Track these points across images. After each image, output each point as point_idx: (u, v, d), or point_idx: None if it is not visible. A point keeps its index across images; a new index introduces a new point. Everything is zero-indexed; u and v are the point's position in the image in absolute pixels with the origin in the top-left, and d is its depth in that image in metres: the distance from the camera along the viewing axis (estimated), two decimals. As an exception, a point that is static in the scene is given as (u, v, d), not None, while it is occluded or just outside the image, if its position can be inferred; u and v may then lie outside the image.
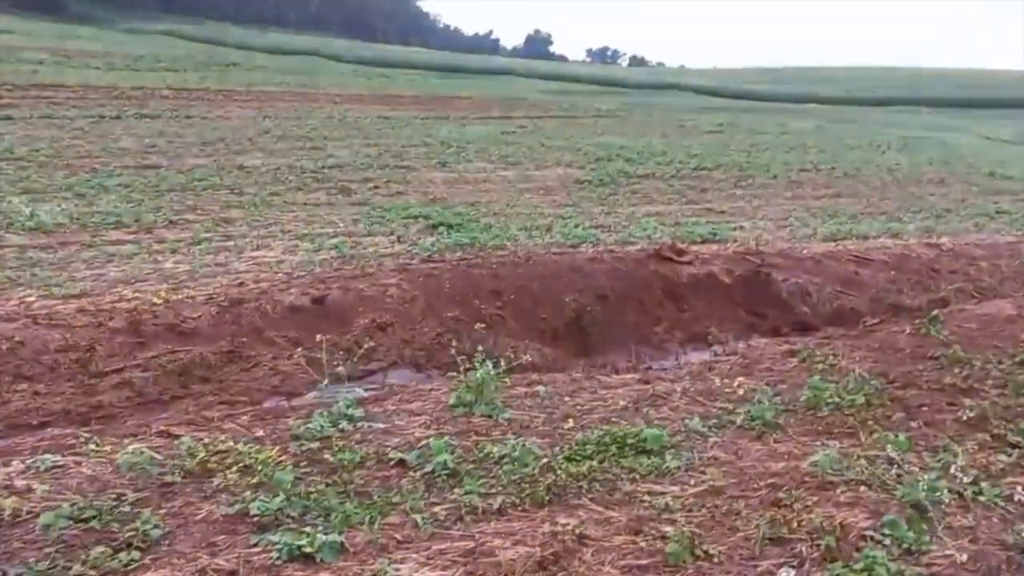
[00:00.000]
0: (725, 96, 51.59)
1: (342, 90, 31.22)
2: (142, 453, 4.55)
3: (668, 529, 3.98)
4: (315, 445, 4.94)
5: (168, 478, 4.44)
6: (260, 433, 5.19)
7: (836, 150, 22.76)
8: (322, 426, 5.17)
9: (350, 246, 10.40)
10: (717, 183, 17.11)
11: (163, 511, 4.09)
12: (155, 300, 7.81)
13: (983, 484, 4.36)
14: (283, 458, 4.70)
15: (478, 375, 5.72)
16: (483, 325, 7.33)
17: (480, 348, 6.02)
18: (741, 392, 5.95)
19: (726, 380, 6.21)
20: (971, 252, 11.99)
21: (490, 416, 5.51)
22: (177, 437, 5.01)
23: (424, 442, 4.92)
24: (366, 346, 6.77)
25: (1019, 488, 4.32)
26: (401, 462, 4.74)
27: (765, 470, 4.67)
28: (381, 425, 5.36)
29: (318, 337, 6.35)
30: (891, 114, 43.90)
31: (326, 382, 6.05)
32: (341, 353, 6.76)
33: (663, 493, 4.39)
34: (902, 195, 17.12)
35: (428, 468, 4.61)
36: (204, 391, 6.46)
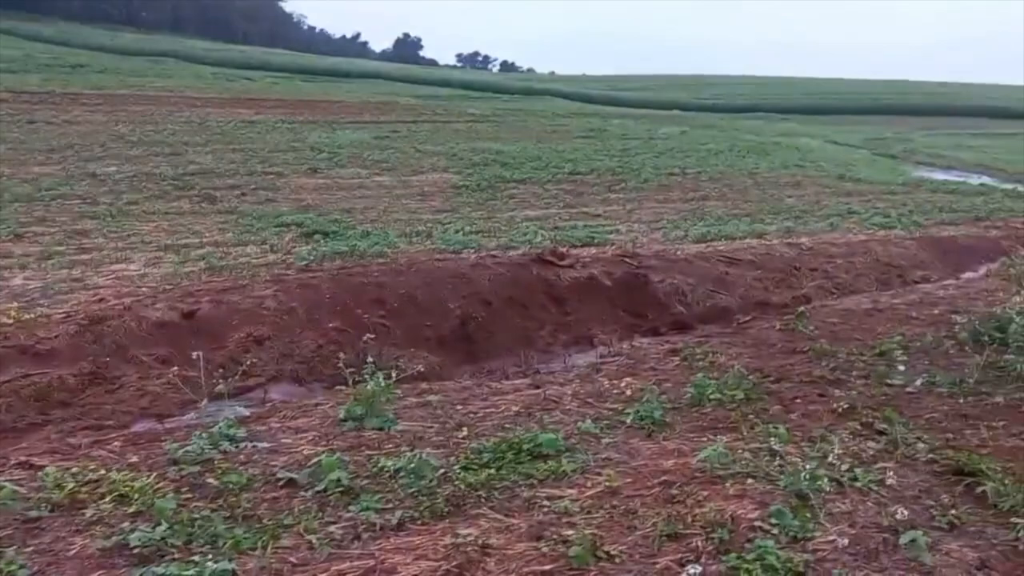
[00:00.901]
0: (595, 102, 52.94)
1: (201, 93, 29.97)
2: (1, 488, 4.16)
3: (569, 532, 3.99)
4: (196, 469, 4.66)
5: (33, 513, 4.07)
6: (134, 459, 4.86)
7: (701, 155, 23.73)
8: (202, 448, 4.89)
9: (219, 257, 9.96)
10: (592, 187, 17.48)
11: (30, 549, 3.75)
12: (4, 320, 7.20)
13: (857, 471, 4.61)
14: (162, 484, 4.41)
15: (368, 387, 5.57)
16: (369, 335, 7.17)
17: (369, 359, 5.87)
18: (629, 392, 6.07)
19: (614, 381, 6.33)
20: (828, 251, 12.73)
21: (382, 429, 5.38)
22: (40, 468, 4.61)
23: (314, 460, 4.74)
24: (248, 362, 6.48)
25: (890, 473, 4.59)
26: (291, 482, 4.55)
27: (657, 468, 4.77)
28: (266, 444, 5.13)
29: (194, 354, 6.01)
30: (750, 120, 46.28)
31: (205, 401, 5.74)
32: (219, 370, 6.44)
33: (561, 497, 4.40)
34: (763, 197, 18.01)
35: (320, 486, 4.44)
36: (66, 416, 5.99)
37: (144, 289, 8.47)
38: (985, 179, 25.98)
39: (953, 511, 4.21)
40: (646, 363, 7.18)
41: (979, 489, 4.42)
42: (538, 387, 6.44)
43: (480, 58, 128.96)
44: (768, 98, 61.18)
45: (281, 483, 4.55)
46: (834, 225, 15.26)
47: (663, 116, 40.58)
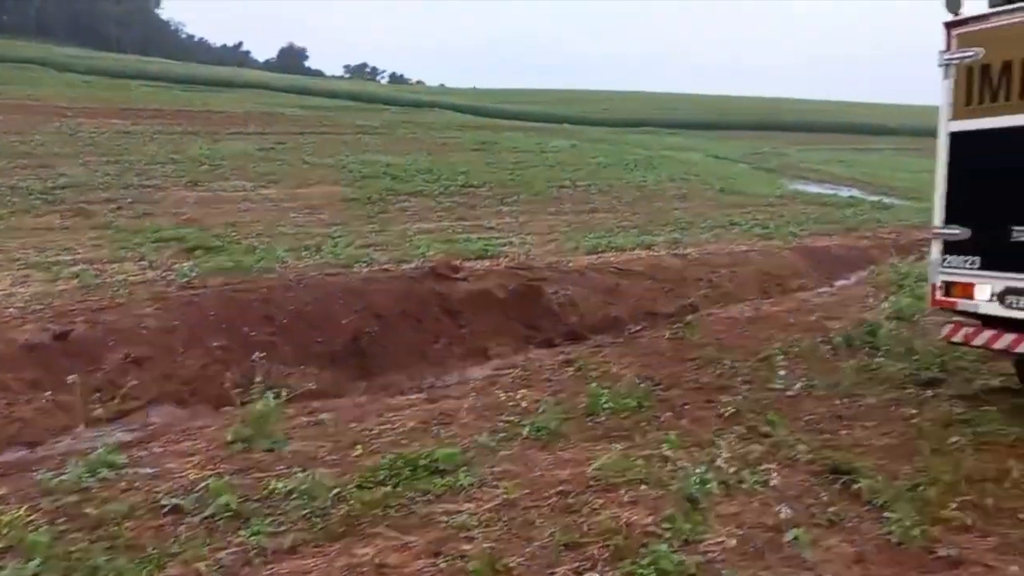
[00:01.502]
0: (486, 115, 53.26)
1: (72, 102, 28.35)
2: None
3: (467, 547, 3.97)
4: (72, 498, 4.39)
5: None
6: (2, 491, 4.53)
7: (591, 168, 24.21)
8: (79, 476, 4.62)
9: (94, 274, 9.45)
10: (484, 200, 17.55)
11: None
12: None
13: (744, 473, 4.78)
14: (34, 517, 4.14)
15: (257, 407, 5.40)
16: (258, 353, 6.93)
17: (258, 378, 5.69)
18: (525, 404, 6.11)
19: (510, 393, 6.36)
20: (713, 261, 13.22)
21: (272, 450, 5.22)
22: None
23: (201, 484, 4.55)
24: (127, 384, 6.16)
25: (773, 474, 4.78)
26: (176, 508, 4.34)
27: (554, 478, 4.81)
28: (149, 470, 4.89)
29: (68, 378, 5.66)
30: (638, 134, 47.54)
31: (82, 427, 5.42)
32: (96, 394, 6.09)
33: (459, 511, 4.37)
34: (651, 210, 18.53)
35: (208, 512, 4.26)
36: (-78, 448, 5.54)
37: (11, 310, 7.93)
38: (855, 192, 27.57)
39: (832, 508, 4.42)
40: (541, 374, 7.25)
41: (855, 486, 4.65)
42: (434, 401, 6.40)
43: (368, 69, 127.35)
44: (655, 113, 63.13)
45: (166, 510, 4.34)
46: (718, 236, 15.85)
47: (554, 129, 41.16)
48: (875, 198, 25.19)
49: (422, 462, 4.90)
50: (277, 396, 5.58)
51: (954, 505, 4.41)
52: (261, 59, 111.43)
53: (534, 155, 26.09)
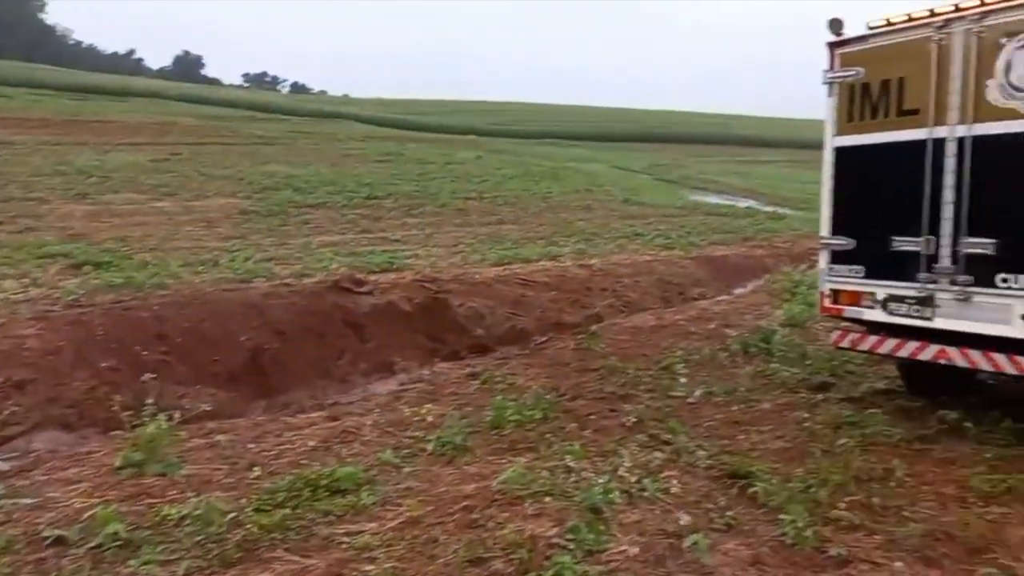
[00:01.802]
0: (391, 126, 52.84)
1: (-52, 111, 26.72)
2: None
3: (370, 568, 3.89)
4: (-60, 537, 4.08)
5: None
6: None
7: (497, 179, 24.31)
8: (-51, 513, 4.30)
9: (-28, 293, 8.86)
10: (390, 212, 17.38)
11: None
12: None
13: (646, 481, 4.85)
14: None
15: (148, 430, 5.15)
16: (150, 374, 6.64)
17: (149, 400, 5.44)
18: (430, 419, 6.05)
19: (415, 408, 6.29)
20: (617, 271, 13.44)
21: (165, 475, 4.99)
22: None
23: (87, 514, 4.30)
24: (7, 409, 5.79)
25: (674, 481, 4.88)
26: (59, 540, 4.09)
27: (459, 493, 4.76)
28: (29, 500, 4.60)
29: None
30: (542, 146, 48.09)
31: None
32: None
33: (361, 532, 4.28)
34: (556, 221, 18.73)
35: (94, 542, 4.03)
36: None
37: None
38: (751, 203, 28.61)
39: (729, 512, 4.53)
40: (447, 388, 7.20)
41: (751, 490, 4.78)
42: (336, 419, 6.27)
43: (269, 78, 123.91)
44: (559, 125, 64.04)
45: (48, 542, 4.09)
46: (622, 246, 16.14)
47: (459, 141, 41.22)
48: (770, 209, 26.19)
49: (323, 482, 4.78)
50: (170, 418, 5.34)
51: (843, 505, 4.60)
52: (155, 67, 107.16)
53: (440, 167, 26.04)
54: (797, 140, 54.96)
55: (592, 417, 6.23)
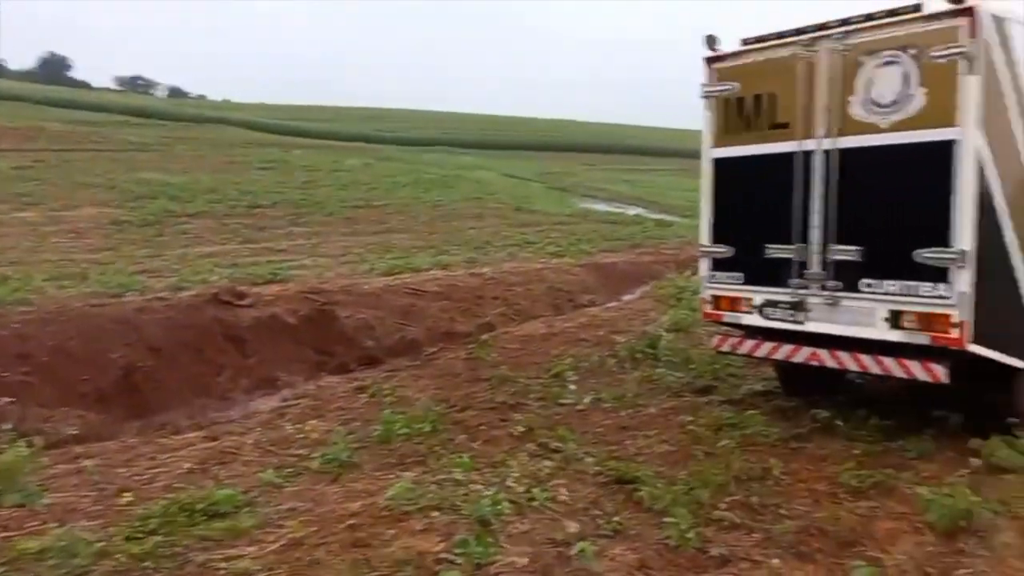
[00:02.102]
0: (276, 132, 51.43)
1: None
2: None
3: (249, 596, 3.71)
4: None
5: None
6: None
7: (387, 187, 24.09)
8: None
9: None
10: (274, 221, 16.92)
11: None
12: None
13: (535, 490, 4.84)
14: None
15: (6, 458, 4.78)
16: (8, 398, 6.18)
17: (8, 426, 5.05)
18: (315, 436, 5.88)
19: (299, 425, 6.09)
20: (508, 279, 13.49)
21: (23, 505, 4.63)
22: None
23: (-70, 554, 3.94)
24: None
25: (562, 489, 4.89)
26: None
27: (344, 512, 4.63)
28: None
29: None
30: (433, 153, 47.97)
31: None
32: None
33: (240, 556, 4.09)
34: (447, 229, 18.70)
35: (-63, 586, 3.70)
36: None
37: None
38: (639, 210, 29.38)
39: (616, 518, 4.58)
40: (333, 403, 7.02)
41: (637, 494, 4.85)
42: (215, 439, 6.00)
43: (142, 82, 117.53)
44: (449, 132, 64.07)
45: None
46: (513, 255, 16.25)
47: (348, 148, 40.62)
48: (658, 216, 26.98)
49: (199, 506, 4.55)
50: (30, 444, 4.98)
51: (724, 505, 4.73)
52: (17, 68, 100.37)
53: (327, 174, 25.58)
54: (683, 150, 56.79)
55: (482, 428, 6.19)
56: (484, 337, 8.98)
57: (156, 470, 5.31)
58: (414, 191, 24.16)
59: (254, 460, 5.50)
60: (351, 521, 4.49)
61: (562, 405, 6.80)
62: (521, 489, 4.82)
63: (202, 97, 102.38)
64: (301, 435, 5.90)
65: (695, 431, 6.10)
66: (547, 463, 5.40)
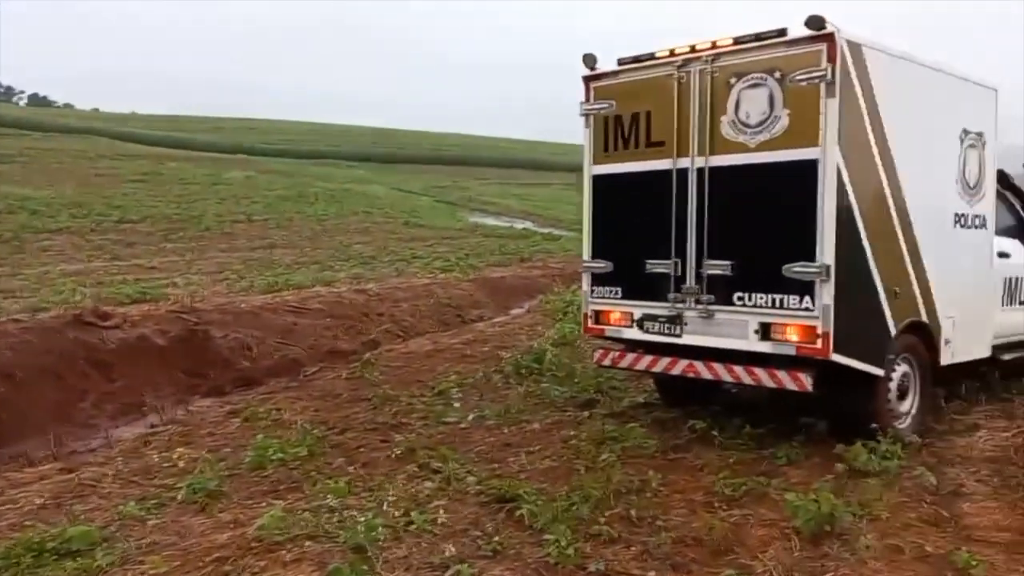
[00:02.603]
0: (149, 143, 49.16)
1: None
2: None
3: (101, 642, 3.45)
4: None
5: None
6: None
7: (269, 201, 23.41)
8: None
9: None
10: (145, 237, 16.13)
11: None
12: None
13: (414, 514, 4.73)
14: None
15: None
16: None
17: None
18: (182, 464, 5.58)
19: (165, 453, 5.77)
20: (395, 295, 13.29)
21: None
22: None
23: None
24: None
25: (441, 511, 4.79)
26: None
27: (211, 544, 4.39)
28: None
29: None
30: (319, 166, 47.05)
31: None
32: None
33: (93, 599, 3.81)
34: (333, 244, 18.31)
35: None
36: None
37: None
38: (528, 224, 29.66)
39: (496, 538, 4.51)
40: (203, 428, 6.70)
41: (518, 512, 4.80)
42: (72, 470, 5.60)
43: (2, 89, 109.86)
44: (338, 145, 62.98)
45: None
46: (400, 270, 16.06)
47: (229, 160, 39.28)
48: (546, 230, 27.30)
49: (50, 545, 4.22)
50: None
51: (603, 519, 4.73)
52: None
53: (205, 187, 24.66)
54: (572, 164, 57.78)
55: (362, 450, 6.03)
56: (367, 355, 8.78)
57: (2, 508, 4.91)
58: (298, 205, 23.58)
59: (115, 492, 5.16)
60: (218, 554, 4.27)
61: (445, 424, 6.71)
62: (399, 513, 4.70)
63: (69, 106, 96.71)
64: (167, 464, 5.58)
65: (577, 445, 6.12)
66: (428, 484, 5.29)
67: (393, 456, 5.85)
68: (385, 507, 4.72)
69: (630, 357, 6.72)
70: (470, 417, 6.87)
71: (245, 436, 6.31)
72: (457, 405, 7.16)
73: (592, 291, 6.86)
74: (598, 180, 6.83)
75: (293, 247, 17.20)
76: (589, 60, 6.77)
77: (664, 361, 6.44)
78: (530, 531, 4.63)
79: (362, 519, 4.47)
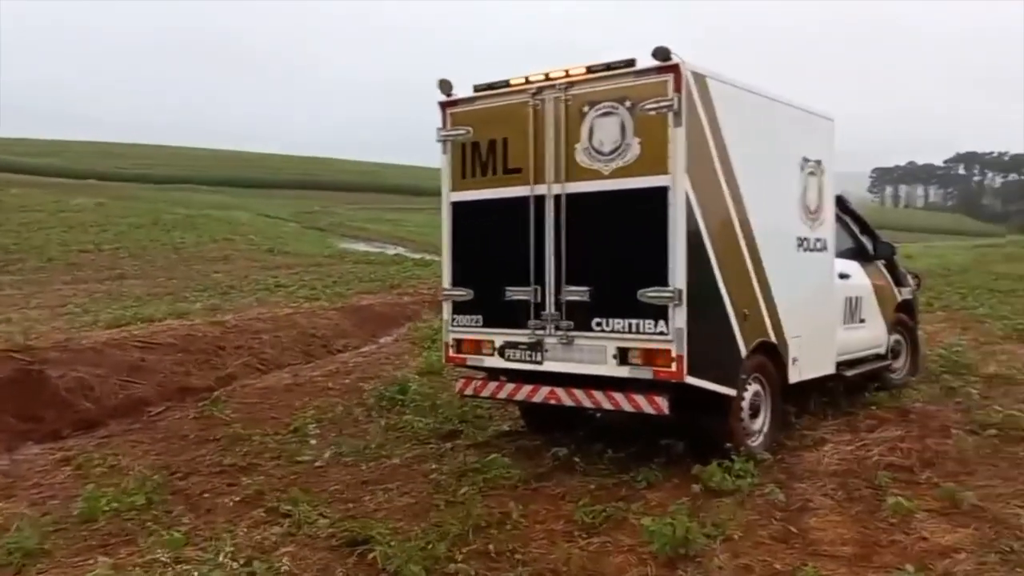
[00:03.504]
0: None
1: None
2: None
3: None
4: None
5: None
6: None
7: (121, 229, 22.09)
8: None
9: None
10: (-24, 270, 14.85)
11: None
12: None
13: (256, 563, 4.42)
14: None
15: None
16: None
17: None
18: (0, 520, 5.03)
19: (-21, 510, 5.19)
20: (255, 326, 12.71)
21: None
22: None
23: None
24: None
25: (286, 559, 4.51)
26: None
27: (25, 614, 3.95)
28: None
29: None
30: (178, 192, 45.02)
31: None
32: None
33: None
34: (189, 274, 17.44)
35: None
36: None
37: None
38: (400, 250, 29.28)
39: (345, 584, 4.29)
40: (30, 479, 6.11)
41: (371, 555, 4.58)
42: None
43: None
44: (197, 170, 60.57)
45: None
46: (262, 299, 15.43)
47: (76, 186, 37.00)
48: (418, 256, 27.02)
49: None
50: None
51: (461, 556, 4.59)
52: None
53: (50, 215, 23.05)
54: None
55: (206, 496, 5.64)
56: (217, 392, 8.29)
57: None
58: (152, 233, 22.36)
59: (-88, 561, 4.58)
60: (31, 624, 3.84)
61: (299, 463, 6.39)
62: (239, 563, 4.38)
63: None
64: (-20, 523, 5.02)
65: (438, 480, 5.96)
66: (275, 530, 4.99)
67: (240, 500, 5.50)
68: (222, 558, 4.39)
69: (492, 385, 6.63)
70: (326, 454, 6.57)
71: (76, 485, 5.79)
72: (313, 442, 6.85)
73: (453, 319, 6.74)
74: (457, 207, 6.76)
75: (146, 277, 16.25)
76: (445, 86, 6.71)
77: (526, 388, 6.39)
78: (383, 574, 4.43)
79: (200, 571, 4.14)
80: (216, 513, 5.28)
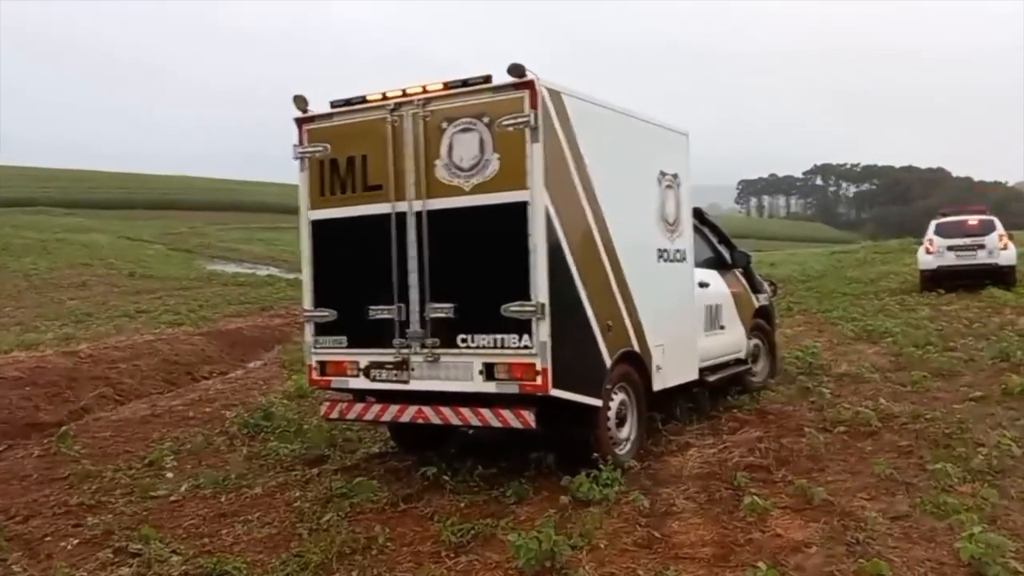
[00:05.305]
0: None
1: None
2: None
3: None
4: None
5: None
6: None
7: (-37, 256, 20.53)
8: None
9: None
10: None
11: None
12: None
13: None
14: None
15: None
16: None
17: None
18: None
19: None
20: (111, 356, 12.00)
21: None
22: None
23: None
24: None
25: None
26: None
27: None
28: None
29: None
30: (29, 215, 42.13)
31: None
32: None
33: None
34: (41, 302, 16.36)
35: None
36: None
37: None
38: (272, 270, 28.45)
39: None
40: None
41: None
42: None
43: None
44: (50, 191, 56.93)
45: None
46: (121, 327, 14.63)
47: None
48: (292, 276, 26.28)
49: None
50: None
51: (322, 587, 4.44)
52: None
53: None
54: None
55: (47, 539, 5.24)
56: (64, 429, 7.75)
57: None
58: (2, 259, 20.86)
59: None
60: None
61: (153, 498, 6.04)
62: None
63: None
64: None
65: (301, 507, 5.76)
66: (123, 571, 4.70)
67: (87, 541, 5.14)
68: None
69: (358, 407, 6.49)
70: (183, 488, 6.24)
71: None
72: (170, 475, 6.49)
73: (316, 341, 6.56)
74: (316, 225, 6.59)
75: (-10, 307, 15.14)
76: (300, 102, 6.55)
77: (393, 409, 6.28)
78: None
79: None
80: (56, 558, 4.91)
